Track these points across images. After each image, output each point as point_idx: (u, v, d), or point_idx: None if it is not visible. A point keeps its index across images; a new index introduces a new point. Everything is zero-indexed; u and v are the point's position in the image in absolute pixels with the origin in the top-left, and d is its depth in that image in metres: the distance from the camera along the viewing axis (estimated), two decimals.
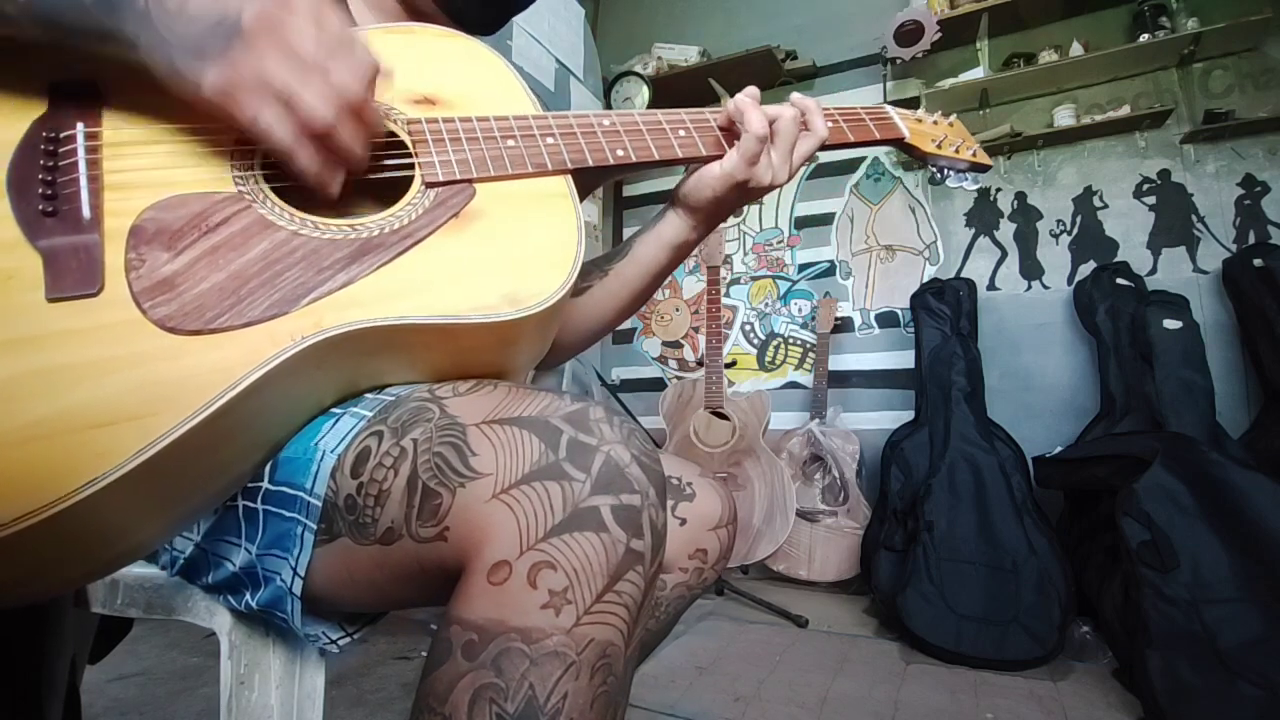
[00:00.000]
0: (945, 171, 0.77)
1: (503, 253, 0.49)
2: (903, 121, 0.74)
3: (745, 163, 0.62)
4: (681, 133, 0.63)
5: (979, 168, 0.77)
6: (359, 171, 0.47)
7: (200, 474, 0.41)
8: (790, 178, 0.66)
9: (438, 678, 0.35)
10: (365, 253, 0.45)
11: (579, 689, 0.34)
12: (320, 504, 0.43)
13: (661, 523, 0.39)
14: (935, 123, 0.77)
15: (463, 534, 0.37)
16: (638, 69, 2.83)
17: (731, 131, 0.64)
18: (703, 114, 0.65)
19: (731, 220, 2.91)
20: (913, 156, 0.76)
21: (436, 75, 0.57)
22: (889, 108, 0.75)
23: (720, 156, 0.64)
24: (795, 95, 0.69)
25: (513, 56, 2.04)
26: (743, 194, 0.65)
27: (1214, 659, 1.28)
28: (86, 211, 0.40)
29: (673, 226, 0.68)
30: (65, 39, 0.41)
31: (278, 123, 0.42)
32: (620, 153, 0.59)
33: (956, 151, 0.75)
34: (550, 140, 0.56)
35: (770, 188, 0.65)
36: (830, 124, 0.68)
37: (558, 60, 2.29)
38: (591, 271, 0.70)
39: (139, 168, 0.43)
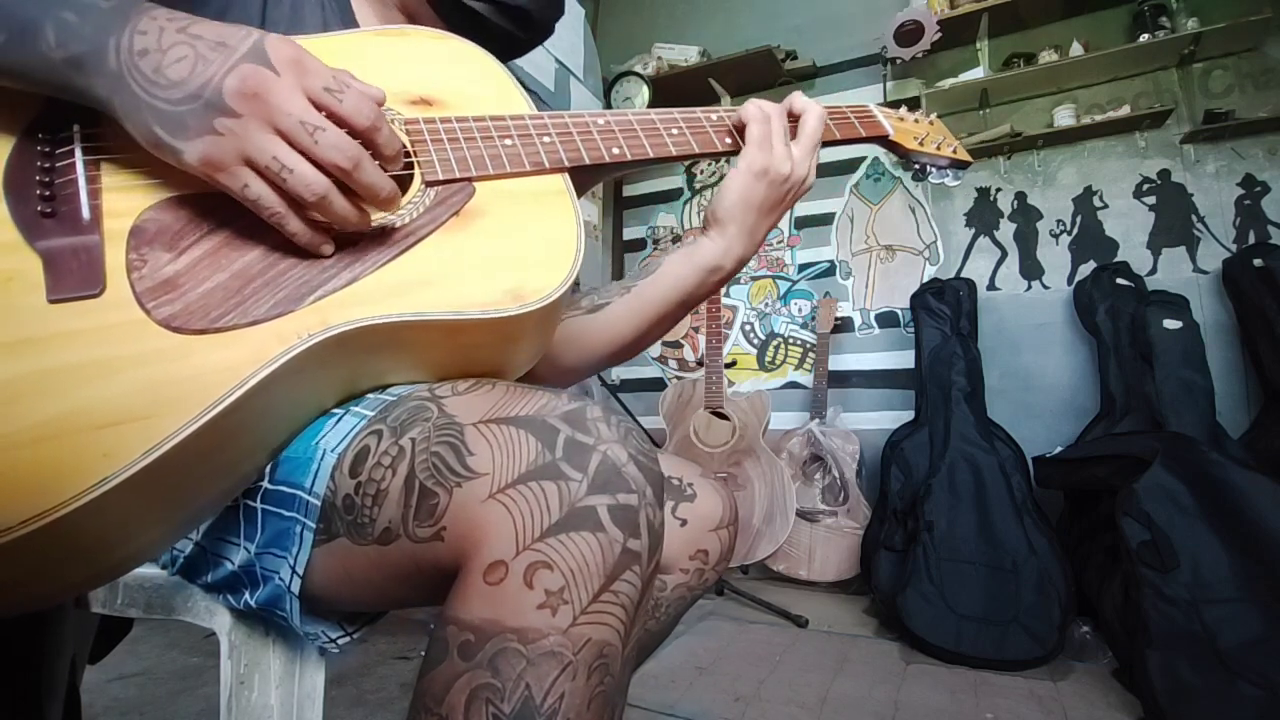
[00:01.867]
0: (928, 168, 0.78)
1: (505, 249, 0.49)
2: (886, 119, 0.75)
3: (755, 146, 0.62)
4: (675, 130, 0.63)
5: (959, 164, 0.78)
6: (363, 227, 0.45)
7: (206, 475, 0.41)
8: (810, 171, 0.65)
9: (434, 678, 0.35)
10: (368, 251, 0.45)
11: (575, 689, 0.34)
12: (319, 503, 0.43)
13: (659, 522, 0.39)
14: (917, 121, 0.78)
15: (459, 534, 0.37)
16: (638, 69, 2.83)
17: (740, 134, 0.64)
18: (694, 113, 0.65)
19: None
20: (896, 154, 0.77)
21: (432, 76, 0.57)
22: (873, 106, 0.76)
23: (714, 153, 0.64)
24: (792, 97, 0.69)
25: None
26: (768, 188, 0.63)
27: (1214, 659, 1.28)
28: (86, 212, 0.40)
29: (707, 250, 0.64)
30: (38, 90, 0.41)
31: (266, 194, 0.41)
32: (616, 151, 0.59)
33: (938, 149, 0.76)
34: (547, 139, 0.56)
35: (792, 178, 0.63)
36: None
37: (558, 60, 2.29)
38: (612, 288, 0.67)
39: (138, 168, 0.43)
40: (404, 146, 0.45)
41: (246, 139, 0.39)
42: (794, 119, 0.67)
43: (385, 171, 0.44)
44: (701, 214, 2.93)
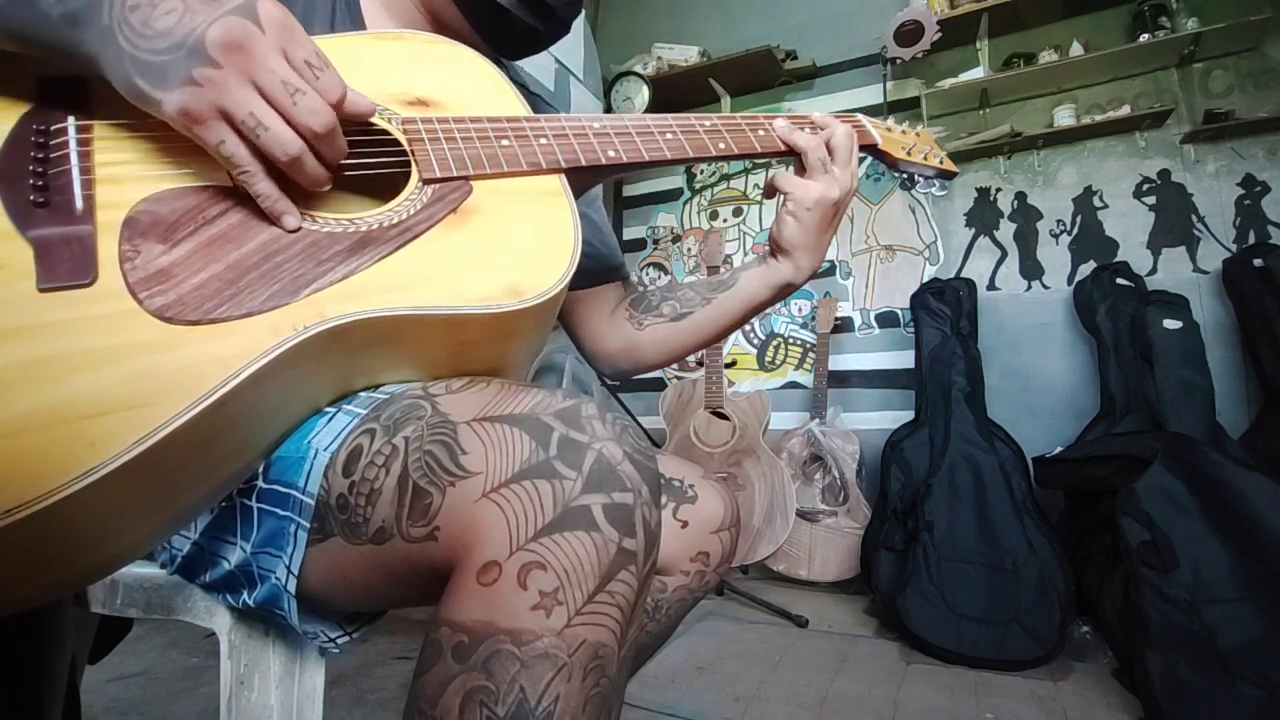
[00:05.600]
0: (915, 177, 0.81)
1: (502, 247, 0.49)
2: (875, 129, 0.77)
3: (801, 185, 0.67)
4: (669, 135, 0.64)
5: (945, 174, 0.82)
6: (320, 185, 0.46)
7: (198, 469, 0.40)
8: (854, 176, 0.69)
9: (428, 680, 0.34)
10: (365, 246, 0.45)
11: (570, 691, 0.33)
12: (313, 502, 0.43)
13: (655, 521, 0.39)
14: (904, 132, 0.81)
15: (453, 534, 0.36)
16: (638, 69, 2.83)
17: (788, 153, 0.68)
18: (688, 119, 0.67)
19: (731, 220, 2.91)
20: (884, 163, 0.79)
21: (429, 78, 0.57)
22: (862, 117, 0.78)
23: (705, 158, 0.66)
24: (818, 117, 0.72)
25: None
26: (823, 214, 0.67)
27: (1214, 659, 1.28)
28: (79, 203, 0.40)
29: (778, 270, 0.71)
30: (34, 50, 0.41)
31: (240, 152, 0.41)
32: (611, 153, 0.60)
33: (925, 159, 0.79)
34: (544, 140, 0.56)
35: (843, 197, 0.68)
36: (810, 132, 0.71)
37: (558, 60, 2.28)
38: (692, 298, 0.75)
39: (132, 160, 0.43)
40: (372, 113, 0.46)
41: (225, 91, 0.39)
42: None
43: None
44: (701, 214, 2.94)
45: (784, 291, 0.72)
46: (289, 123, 0.41)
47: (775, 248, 0.71)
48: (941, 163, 0.80)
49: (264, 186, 0.42)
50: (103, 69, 0.40)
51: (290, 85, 0.41)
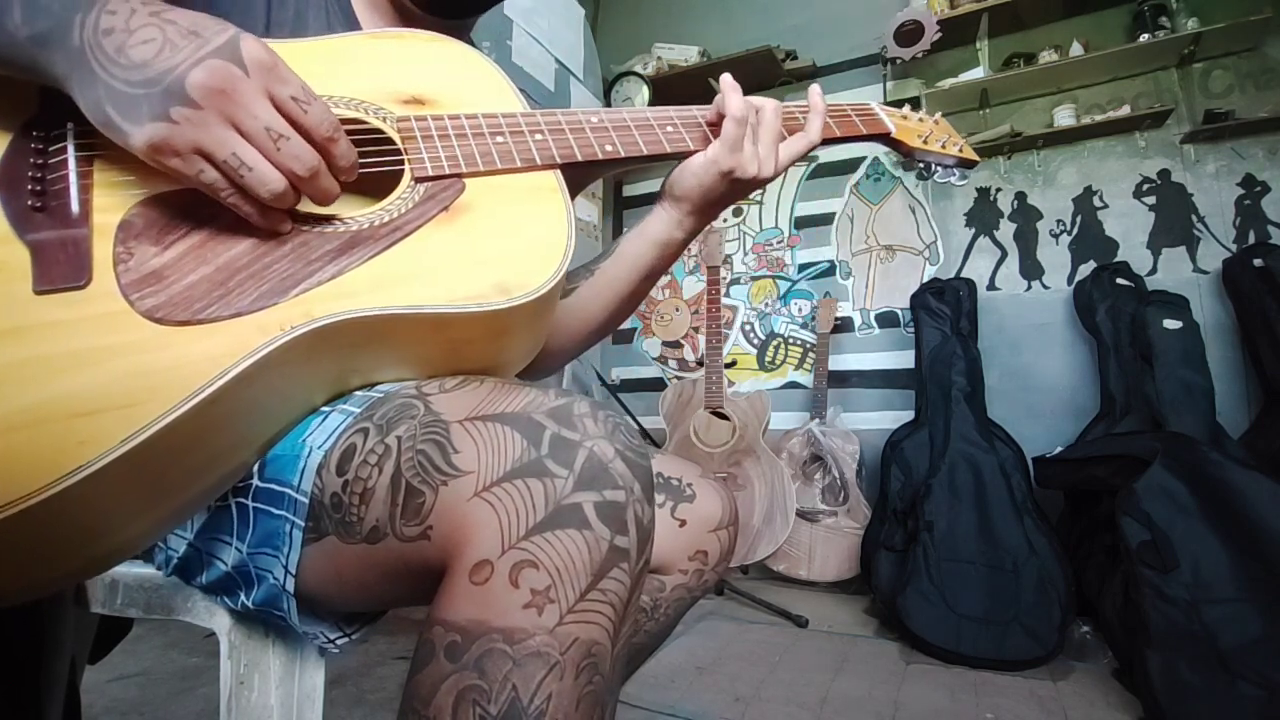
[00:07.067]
0: (933, 167, 0.77)
1: (493, 244, 0.49)
2: (889, 117, 0.75)
3: (727, 148, 0.62)
4: (669, 128, 0.63)
5: (966, 163, 0.77)
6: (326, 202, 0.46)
7: (190, 467, 0.41)
8: (777, 173, 0.65)
9: (421, 680, 0.34)
10: (354, 245, 0.45)
11: (563, 689, 0.33)
12: (307, 501, 0.43)
13: (647, 519, 0.39)
14: (921, 120, 0.78)
15: (445, 533, 0.37)
16: (638, 69, 2.84)
17: (718, 125, 0.64)
18: (690, 111, 0.65)
19: (731, 220, 2.90)
20: (900, 152, 0.76)
21: (426, 77, 0.57)
22: (875, 104, 0.75)
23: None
24: (813, 89, 0.69)
25: (512, 57, 2.05)
26: (730, 185, 0.64)
27: (1214, 659, 1.28)
28: (75, 207, 0.41)
29: (660, 221, 0.66)
30: (6, 72, 0.41)
31: (221, 180, 0.40)
32: (609, 148, 0.59)
33: (943, 147, 0.76)
34: (539, 136, 0.56)
35: (756, 180, 0.64)
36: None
37: (558, 60, 2.28)
38: (578, 273, 0.69)
39: (130, 164, 0.43)
40: (358, 161, 0.46)
41: (205, 131, 0.39)
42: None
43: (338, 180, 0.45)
44: None
45: (667, 249, 0.66)
46: (273, 165, 0.41)
47: (666, 192, 0.66)
48: (961, 151, 0.76)
49: (251, 206, 0.42)
50: (72, 92, 0.39)
51: (274, 131, 0.40)
